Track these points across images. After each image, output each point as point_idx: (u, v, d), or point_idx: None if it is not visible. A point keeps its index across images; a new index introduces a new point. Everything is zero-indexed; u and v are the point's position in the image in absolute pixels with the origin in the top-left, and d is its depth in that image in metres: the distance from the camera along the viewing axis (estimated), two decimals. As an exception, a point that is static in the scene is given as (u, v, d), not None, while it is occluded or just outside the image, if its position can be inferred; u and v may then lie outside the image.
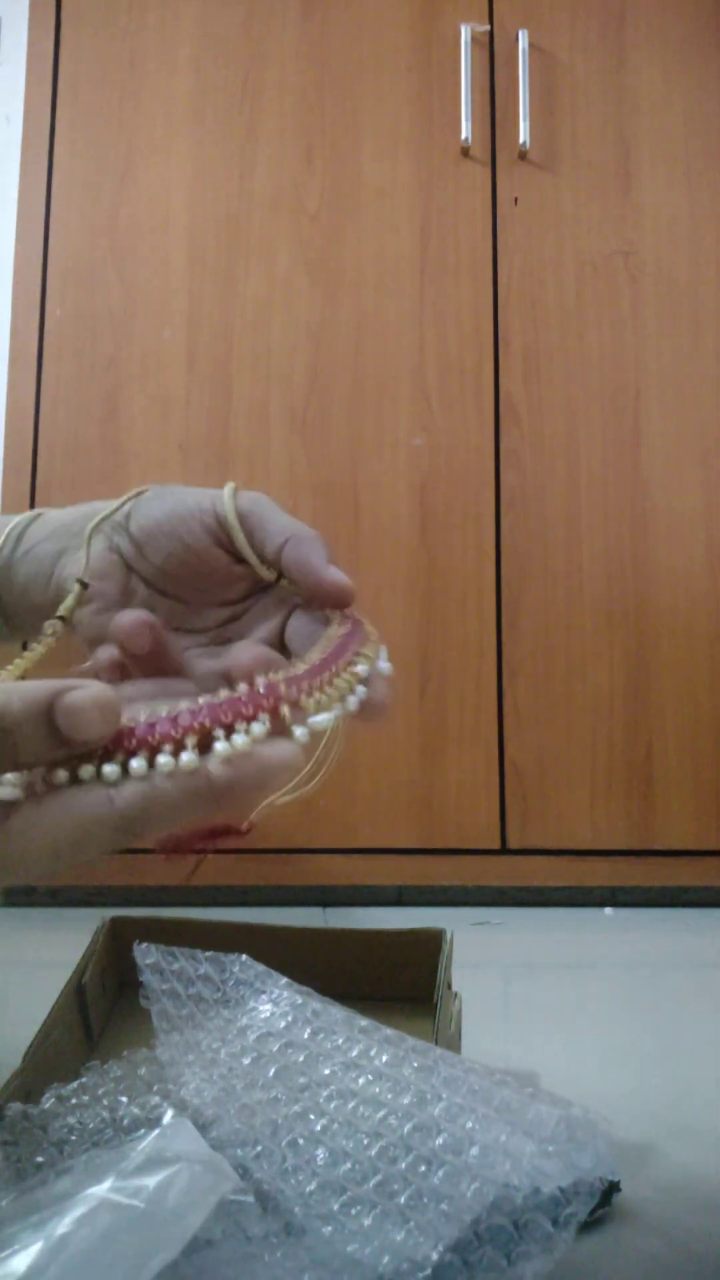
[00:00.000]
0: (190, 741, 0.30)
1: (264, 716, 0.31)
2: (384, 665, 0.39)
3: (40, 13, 1.42)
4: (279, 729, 0.32)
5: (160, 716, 0.31)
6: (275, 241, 1.37)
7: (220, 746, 0.30)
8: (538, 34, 1.39)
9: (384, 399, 1.35)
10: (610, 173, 1.39)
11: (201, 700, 0.31)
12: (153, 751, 0.30)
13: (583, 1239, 0.43)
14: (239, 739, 0.30)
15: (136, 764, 0.29)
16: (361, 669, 0.37)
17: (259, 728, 0.31)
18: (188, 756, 0.30)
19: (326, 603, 0.42)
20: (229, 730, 0.31)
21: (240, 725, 0.31)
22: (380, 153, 1.39)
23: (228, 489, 0.45)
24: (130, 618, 0.42)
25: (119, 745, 0.30)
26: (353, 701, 0.36)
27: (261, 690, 0.32)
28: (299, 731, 0.32)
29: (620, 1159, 0.48)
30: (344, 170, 1.39)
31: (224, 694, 0.32)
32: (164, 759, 0.30)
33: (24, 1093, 0.51)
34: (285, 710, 0.32)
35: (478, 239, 1.37)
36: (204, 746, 0.30)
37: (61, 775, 0.29)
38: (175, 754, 0.30)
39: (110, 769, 0.29)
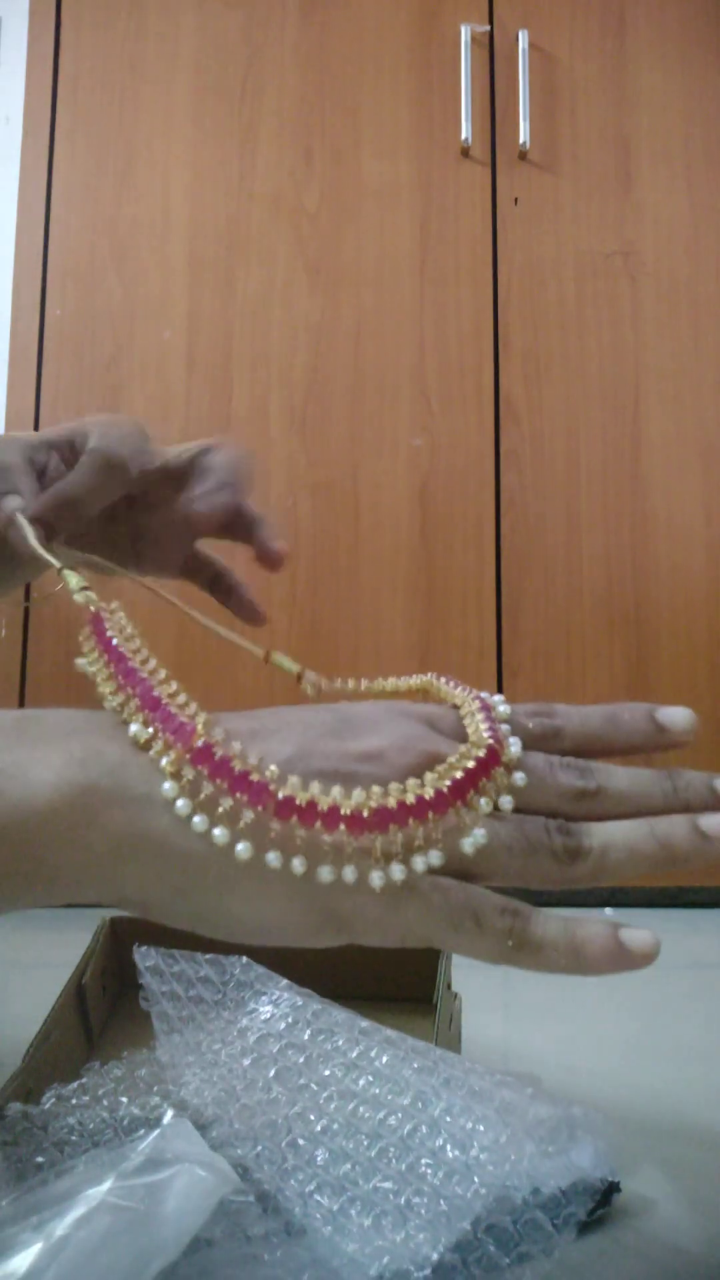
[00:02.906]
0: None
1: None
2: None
3: (40, 13, 1.42)
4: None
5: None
6: (275, 241, 1.37)
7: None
8: (538, 34, 1.39)
9: (384, 399, 1.35)
10: (610, 173, 1.39)
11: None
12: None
13: (583, 1239, 0.43)
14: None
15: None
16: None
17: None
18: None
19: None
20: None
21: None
22: (380, 153, 1.39)
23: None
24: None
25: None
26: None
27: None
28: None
29: (620, 1159, 0.47)
30: (344, 170, 1.38)
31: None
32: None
33: (24, 1093, 0.51)
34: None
35: (478, 239, 1.37)
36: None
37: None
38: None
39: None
